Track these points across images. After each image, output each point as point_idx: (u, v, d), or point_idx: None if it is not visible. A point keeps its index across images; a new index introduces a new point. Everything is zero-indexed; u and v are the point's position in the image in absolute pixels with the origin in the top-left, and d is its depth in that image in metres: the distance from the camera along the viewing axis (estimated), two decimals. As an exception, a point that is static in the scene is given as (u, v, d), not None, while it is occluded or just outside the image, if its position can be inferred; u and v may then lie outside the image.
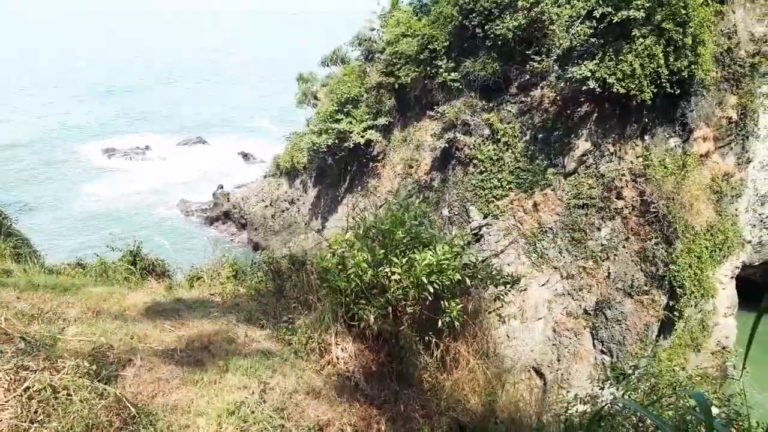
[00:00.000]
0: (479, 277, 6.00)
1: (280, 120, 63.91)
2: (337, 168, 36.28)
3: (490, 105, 27.92)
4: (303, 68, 39.77)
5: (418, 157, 31.14)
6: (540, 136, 26.79)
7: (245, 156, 59.46)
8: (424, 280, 5.49)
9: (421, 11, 31.84)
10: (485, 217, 27.45)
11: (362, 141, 32.78)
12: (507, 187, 27.09)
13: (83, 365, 4.00)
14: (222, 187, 47.09)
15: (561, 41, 25.52)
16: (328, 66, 36.65)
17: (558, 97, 26.13)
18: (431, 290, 5.53)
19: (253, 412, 4.33)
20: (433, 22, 29.38)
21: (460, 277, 5.64)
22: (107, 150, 60.67)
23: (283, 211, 40.42)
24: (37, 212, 44.34)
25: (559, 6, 25.33)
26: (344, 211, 35.57)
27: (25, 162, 56.57)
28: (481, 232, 27.60)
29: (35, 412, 3.62)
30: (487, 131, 27.71)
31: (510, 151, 27.19)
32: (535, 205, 26.63)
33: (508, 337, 23.68)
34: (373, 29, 34.93)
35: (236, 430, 4.03)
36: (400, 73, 30.66)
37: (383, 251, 5.77)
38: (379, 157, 34.00)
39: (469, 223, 27.89)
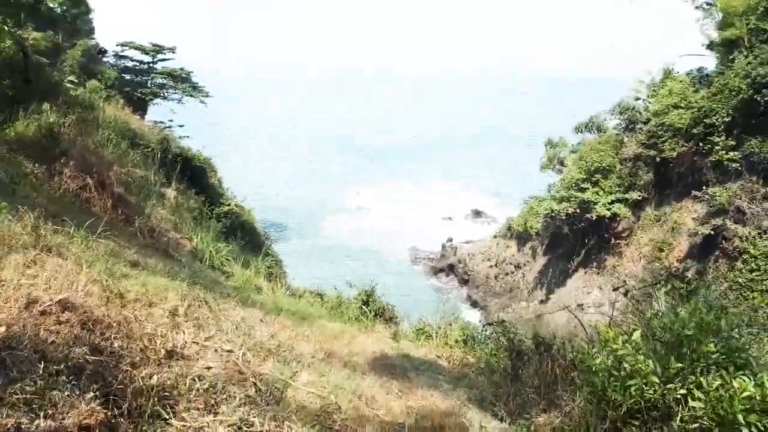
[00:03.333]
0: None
1: (518, 183, 63.09)
2: (573, 239, 33.81)
3: (776, 194, 23.34)
4: (554, 134, 38.42)
5: (672, 240, 27.33)
6: (843, 239, 21.47)
7: (477, 213, 59.67)
8: (740, 418, 3.89)
9: (700, 82, 28.47)
10: (749, 327, 22.58)
11: (607, 214, 30.02)
12: (786, 293, 22.07)
13: (309, 434, 3.40)
14: (451, 240, 47.48)
15: None
16: (581, 133, 34.75)
17: None
18: (749, 436, 3.89)
19: None
20: (714, 95, 25.89)
21: (793, 428, 3.91)
22: (358, 192, 66.69)
23: (507, 273, 38.95)
24: (288, 237, 49.72)
25: None
26: (574, 286, 32.79)
27: (290, 195, 64.72)
28: (745, 342, 22.75)
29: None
30: (766, 223, 23.11)
31: (797, 251, 22.23)
32: (824, 322, 21.13)
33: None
34: (638, 98, 32.31)
35: None
36: (665, 147, 27.54)
37: (680, 365, 4.31)
38: (624, 234, 30.77)
39: (730, 327, 23.26)
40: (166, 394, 3.26)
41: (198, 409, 3.22)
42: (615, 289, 30.12)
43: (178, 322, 4.29)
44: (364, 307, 11.25)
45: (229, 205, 21.55)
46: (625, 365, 4.54)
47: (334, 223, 56.29)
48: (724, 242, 23.99)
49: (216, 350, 4.02)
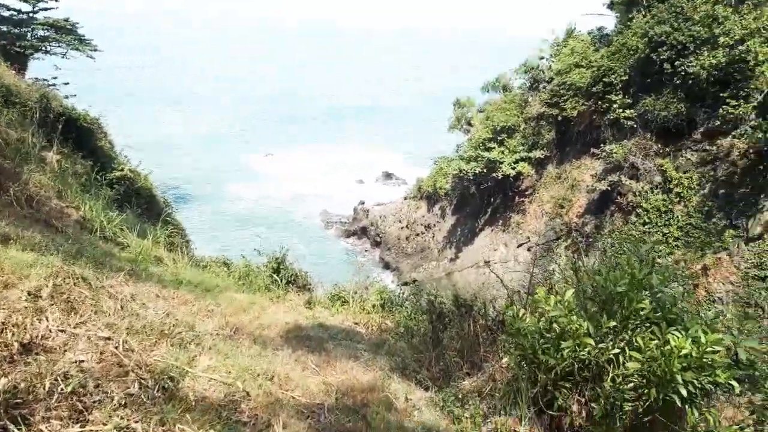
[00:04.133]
0: (750, 381, 4.08)
1: (427, 144, 63.39)
2: (480, 198, 34.55)
3: (667, 150, 24.74)
4: (460, 93, 38.55)
5: (572, 197, 28.50)
6: (721, 191, 23.17)
7: (388, 175, 59.64)
8: (679, 378, 3.73)
9: (600, 42, 29.36)
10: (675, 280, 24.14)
11: (512, 173, 30.78)
12: (673, 244, 23.66)
13: (210, 434, 2.79)
14: (363, 203, 47.21)
15: (765, 86, 21.97)
16: (488, 92, 35.13)
17: (751, 150, 22.44)
18: (684, 394, 3.75)
19: None
20: (613, 54, 26.80)
21: (725, 381, 3.81)
22: (266, 155, 64.29)
23: (417, 234, 39.35)
24: (192, 204, 47.28)
25: (768, 46, 21.81)
26: (481, 244, 33.64)
27: (195, 159, 61.38)
28: (637, 290, 24.34)
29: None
30: (658, 178, 24.53)
31: (682, 203, 23.80)
32: (704, 268, 22.91)
33: None
34: (542, 57, 32.91)
35: None
36: (566, 105, 28.31)
37: (613, 324, 4.09)
38: (527, 192, 31.77)
39: (624, 277, 24.74)
40: (18, 401, 2.53)
41: (61, 418, 2.52)
42: (519, 246, 31.27)
43: (41, 306, 3.48)
44: (274, 275, 10.56)
45: (122, 170, 19.68)
46: (557, 326, 4.29)
47: (242, 189, 54.12)
48: (619, 197, 25.29)
49: (90, 338, 3.28)
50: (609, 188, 25.42)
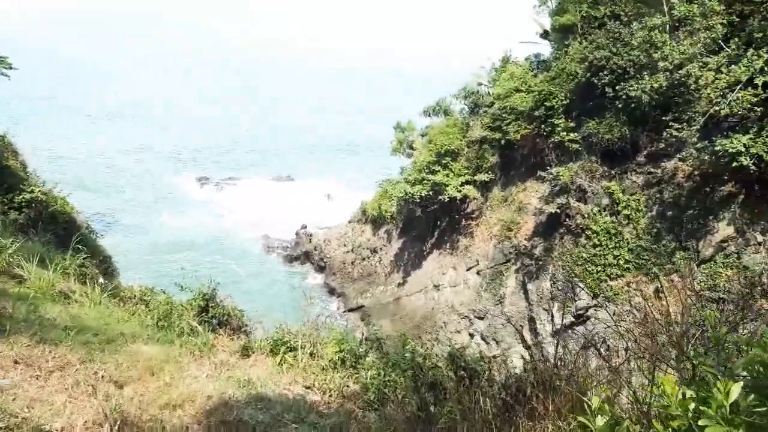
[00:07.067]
0: None
1: (370, 169, 61.53)
2: (426, 221, 32.90)
3: (612, 172, 23.87)
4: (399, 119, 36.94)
5: (520, 219, 27.22)
6: (669, 213, 22.41)
7: (330, 200, 57.29)
8: None
9: (538, 68, 28.64)
10: (595, 297, 22.98)
11: (458, 196, 29.31)
12: (624, 266, 22.65)
13: None
14: (305, 227, 44.53)
15: (706, 108, 21.46)
16: (429, 116, 33.78)
17: (696, 172, 21.83)
18: None
19: None
20: (552, 79, 25.97)
21: None
22: (200, 179, 60.08)
23: (363, 258, 37.16)
24: (125, 231, 43.15)
25: (708, 69, 21.34)
26: (430, 267, 31.87)
27: (129, 184, 56.93)
28: (588, 314, 23.12)
29: None
30: (605, 201, 23.58)
31: (631, 225, 22.88)
32: (657, 291, 21.94)
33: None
34: (480, 84, 31.96)
35: None
36: (509, 129, 27.21)
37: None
38: (474, 215, 30.36)
39: (575, 301, 23.48)
40: None
41: None
42: (469, 269, 29.66)
43: None
44: (201, 317, 8.15)
45: (32, 191, 16.65)
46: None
47: (178, 215, 50.07)
48: (567, 220, 24.17)
49: None
50: (557, 211, 24.25)
